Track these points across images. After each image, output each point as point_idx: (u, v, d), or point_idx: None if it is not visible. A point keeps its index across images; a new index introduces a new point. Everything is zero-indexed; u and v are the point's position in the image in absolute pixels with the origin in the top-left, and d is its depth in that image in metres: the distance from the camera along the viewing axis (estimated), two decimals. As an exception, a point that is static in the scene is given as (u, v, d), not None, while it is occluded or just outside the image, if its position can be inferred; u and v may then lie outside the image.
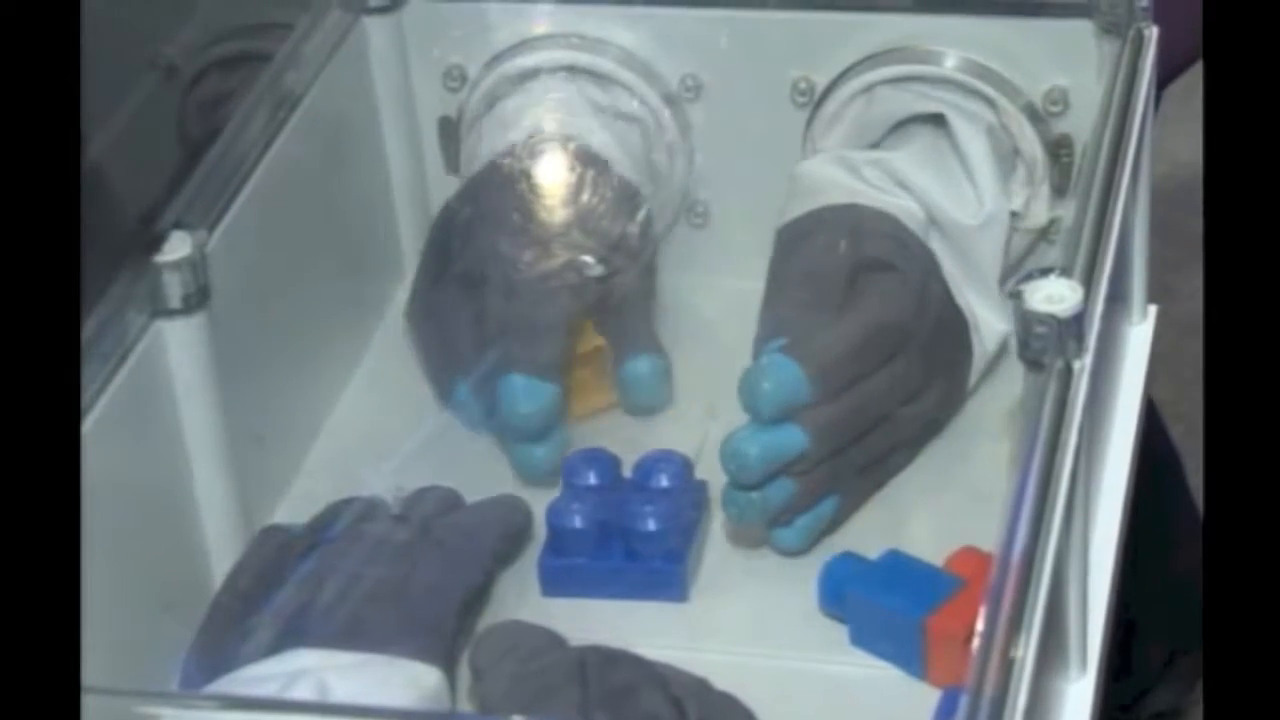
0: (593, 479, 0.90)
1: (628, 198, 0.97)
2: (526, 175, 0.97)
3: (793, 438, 0.87)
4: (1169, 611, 1.38)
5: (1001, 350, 0.94)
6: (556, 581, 0.89)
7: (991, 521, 0.86)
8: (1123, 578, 0.87)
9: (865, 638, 0.86)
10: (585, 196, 0.96)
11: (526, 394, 0.91)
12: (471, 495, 0.92)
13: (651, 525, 0.88)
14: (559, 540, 0.89)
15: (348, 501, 0.90)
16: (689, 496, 0.90)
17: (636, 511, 0.88)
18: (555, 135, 0.98)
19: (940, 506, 0.91)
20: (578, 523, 0.89)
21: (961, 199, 0.94)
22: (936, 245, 0.93)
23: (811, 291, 0.90)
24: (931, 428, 0.93)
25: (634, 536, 0.88)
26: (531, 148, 0.97)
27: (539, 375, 0.91)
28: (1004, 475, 0.89)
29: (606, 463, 0.91)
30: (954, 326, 0.92)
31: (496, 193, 0.97)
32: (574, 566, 0.89)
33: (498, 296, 0.93)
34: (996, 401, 0.95)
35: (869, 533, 0.90)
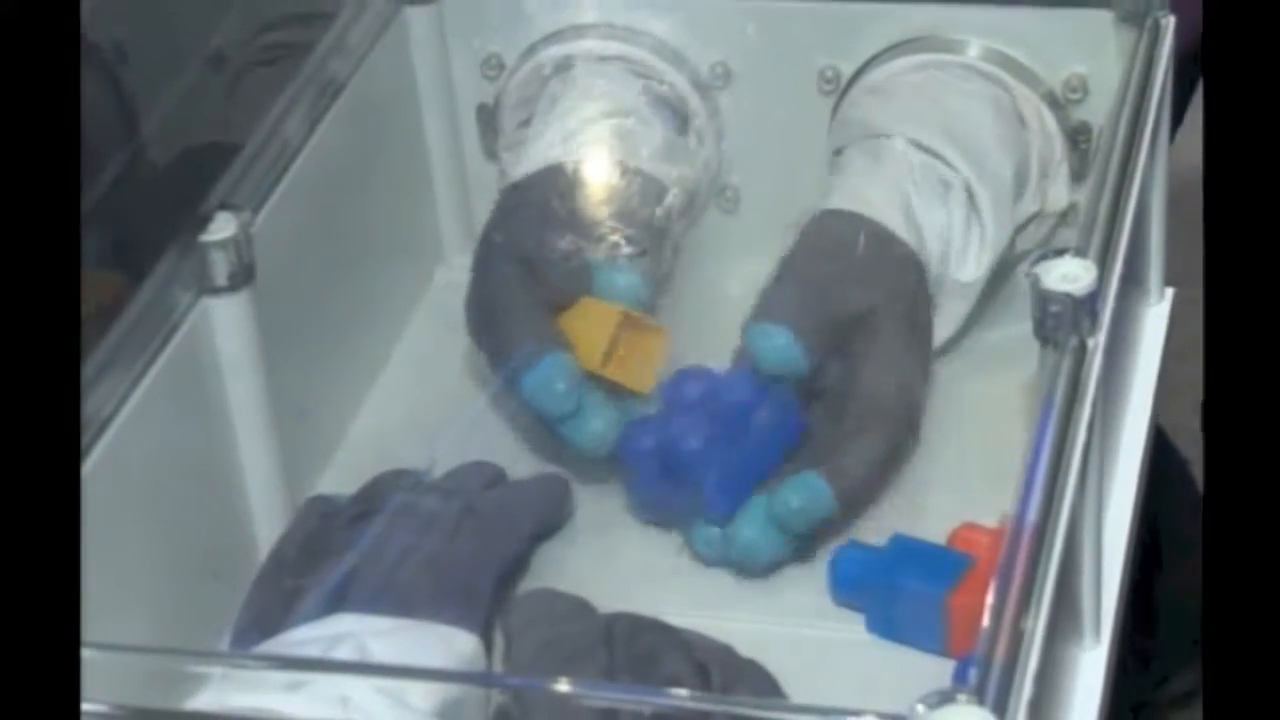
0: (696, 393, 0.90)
1: (655, 185, 0.98)
2: (570, 177, 0.97)
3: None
4: (1189, 604, 1.39)
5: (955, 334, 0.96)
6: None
7: (980, 498, 0.88)
8: (1144, 567, 0.87)
9: (884, 624, 0.86)
10: (618, 188, 0.97)
11: (538, 378, 0.90)
12: (511, 470, 0.93)
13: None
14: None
15: (393, 474, 0.91)
16: None
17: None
18: (596, 128, 0.99)
19: (926, 488, 0.92)
20: (692, 443, 0.89)
21: (963, 252, 0.95)
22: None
23: (820, 299, 0.90)
24: None
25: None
26: (576, 149, 0.98)
27: (541, 355, 0.91)
28: (984, 453, 0.91)
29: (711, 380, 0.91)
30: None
31: (542, 191, 0.97)
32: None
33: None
34: (968, 385, 0.96)
35: (862, 521, 0.90)
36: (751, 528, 0.88)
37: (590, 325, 0.92)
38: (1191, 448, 1.39)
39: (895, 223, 0.93)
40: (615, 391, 0.92)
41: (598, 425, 0.90)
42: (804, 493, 0.87)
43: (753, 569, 0.88)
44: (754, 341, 0.89)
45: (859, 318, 0.91)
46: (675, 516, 0.90)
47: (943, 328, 0.95)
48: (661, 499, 0.90)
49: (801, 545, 0.89)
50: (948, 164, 0.95)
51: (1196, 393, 1.32)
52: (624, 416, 0.91)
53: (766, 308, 0.91)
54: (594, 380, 0.91)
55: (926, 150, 0.95)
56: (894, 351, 0.91)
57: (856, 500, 0.89)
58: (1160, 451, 0.93)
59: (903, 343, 0.91)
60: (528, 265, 0.94)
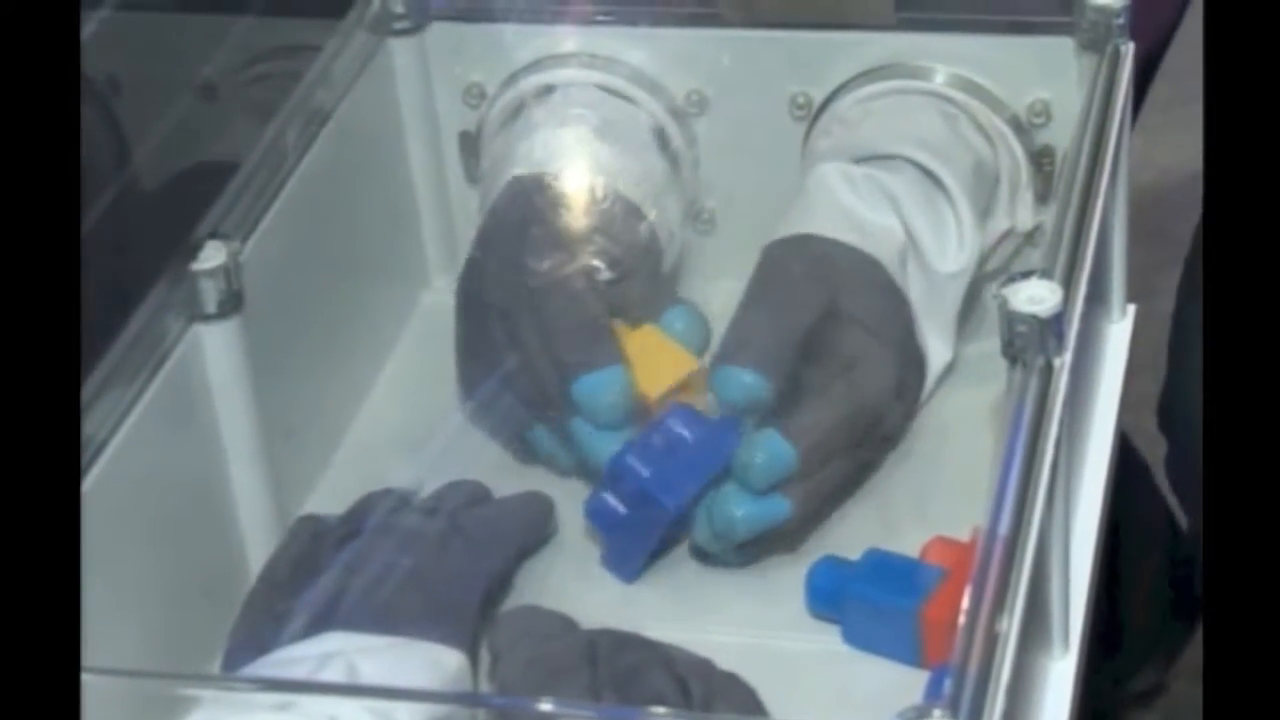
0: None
1: (633, 210, 0.97)
2: (545, 195, 0.96)
3: (778, 507, 0.87)
4: (1149, 601, 1.39)
5: (939, 379, 0.94)
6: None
7: (951, 512, 0.87)
8: (1106, 567, 0.87)
9: (859, 636, 0.85)
10: (595, 211, 0.96)
11: (600, 387, 0.90)
12: (495, 488, 0.92)
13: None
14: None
15: (380, 493, 0.90)
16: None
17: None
18: (570, 152, 0.98)
19: (898, 503, 0.91)
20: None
21: (942, 242, 0.94)
22: (910, 274, 0.93)
23: (779, 326, 0.90)
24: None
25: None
26: (549, 169, 0.97)
27: (601, 366, 0.90)
28: (955, 469, 0.91)
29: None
30: (917, 380, 0.93)
31: (518, 213, 0.96)
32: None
33: (529, 330, 0.92)
34: (937, 402, 0.95)
35: (836, 536, 0.90)
36: (722, 504, 0.87)
37: (661, 361, 0.92)
38: (1149, 450, 1.39)
39: (839, 233, 0.92)
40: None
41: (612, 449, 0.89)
42: (765, 449, 0.86)
43: (731, 540, 0.87)
44: (718, 385, 0.89)
45: (819, 323, 0.90)
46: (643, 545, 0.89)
47: (939, 321, 0.94)
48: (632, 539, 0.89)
49: (773, 511, 0.87)
50: (908, 160, 0.94)
51: (1153, 400, 1.33)
52: None
53: (727, 351, 0.90)
54: (641, 405, 0.90)
55: (888, 157, 0.95)
56: (854, 335, 0.90)
57: (817, 458, 0.87)
58: (1121, 454, 0.92)
59: (861, 328, 0.90)
60: (590, 273, 0.93)
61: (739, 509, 0.87)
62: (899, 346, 0.91)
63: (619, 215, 0.96)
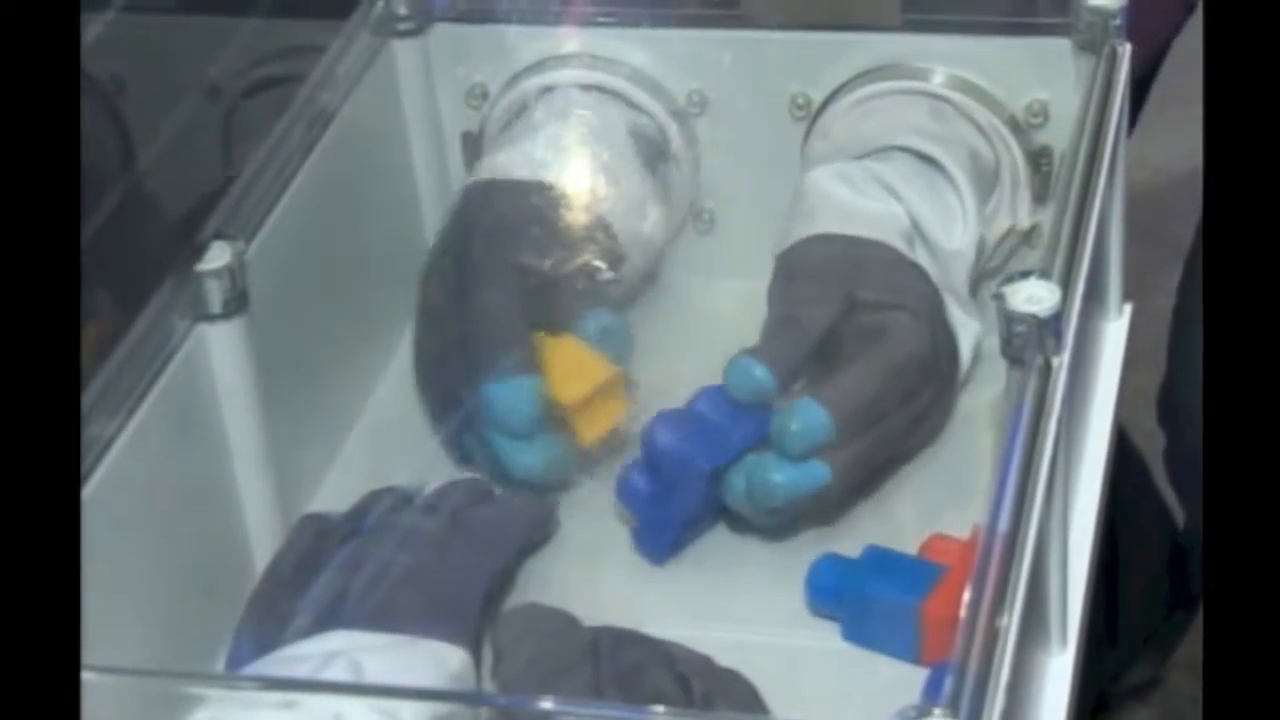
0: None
1: (634, 207, 0.96)
2: (503, 198, 0.96)
3: (817, 473, 0.87)
4: (1145, 594, 1.38)
5: (976, 351, 0.93)
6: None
7: (949, 510, 0.87)
8: (1103, 563, 0.87)
9: (859, 633, 0.84)
10: (595, 209, 0.96)
11: (507, 395, 0.89)
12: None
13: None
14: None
15: (383, 492, 0.89)
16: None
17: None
18: (571, 150, 0.98)
19: (898, 501, 0.91)
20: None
21: (947, 221, 0.94)
22: (919, 256, 0.93)
23: (808, 328, 0.89)
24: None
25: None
26: (513, 173, 0.97)
27: (512, 374, 0.90)
28: (953, 467, 0.90)
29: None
30: (950, 347, 0.92)
31: (525, 203, 0.96)
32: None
33: (453, 323, 0.92)
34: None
35: (836, 533, 0.89)
36: (761, 470, 0.86)
37: (578, 369, 0.91)
38: (1145, 445, 1.39)
39: (845, 229, 0.91)
40: (565, 429, 0.90)
41: (532, 460, 0.89)
42: (800, 417, 0.86)
43: (768, 506, 0.86)
44: (730, 374, 0.88)
45: (843, 317, 0.89)
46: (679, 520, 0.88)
47: (955, 296, 0.93)
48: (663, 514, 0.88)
49: (811, 477, 0.86)
50: (903, 149, 0.94)
51: (1149, 395, 1.33)
52: (566, 458, 0.90)
53: (750, 349, 0.90)
54: (557, 413, 0.90)
55: (884, 149, 0.94)
56: (879, 312, 0.89)
57: (855, 424, 0.87)
58: (1118, 450, 0.92)
59: (884, 306, 0.89)
60: (524, 278, 0.92)
61: (778, 474, 0.86)
62: (925, 310, 0.90)
63: (602, 222, 0.95)
